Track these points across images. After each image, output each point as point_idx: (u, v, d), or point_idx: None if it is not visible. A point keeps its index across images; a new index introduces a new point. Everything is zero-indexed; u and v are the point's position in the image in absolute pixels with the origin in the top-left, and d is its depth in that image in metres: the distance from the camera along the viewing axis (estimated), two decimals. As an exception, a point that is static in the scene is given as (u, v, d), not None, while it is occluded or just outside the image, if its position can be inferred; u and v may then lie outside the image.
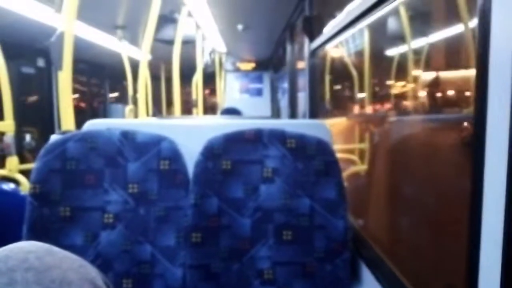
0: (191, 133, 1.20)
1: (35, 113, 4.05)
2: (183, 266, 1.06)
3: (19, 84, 3.68)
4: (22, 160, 2.89)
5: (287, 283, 1.07)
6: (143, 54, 2.24)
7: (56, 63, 1.33)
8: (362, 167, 2.22)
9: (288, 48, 2.74)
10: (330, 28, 1.61)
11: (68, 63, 1.35)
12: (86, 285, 0.41)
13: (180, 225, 1.07)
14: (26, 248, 0.40)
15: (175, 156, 1.12)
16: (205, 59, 4.35)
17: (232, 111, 4.96)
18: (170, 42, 2.84)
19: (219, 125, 1.24)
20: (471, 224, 0.60)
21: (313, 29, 1.84)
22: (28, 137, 3.60)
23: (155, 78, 6.09)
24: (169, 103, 6.51)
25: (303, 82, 2.65)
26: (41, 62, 3.78)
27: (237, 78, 6.23)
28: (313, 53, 1.88)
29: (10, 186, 1.90)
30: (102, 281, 0.44)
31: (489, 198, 0.56)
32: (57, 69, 1.33)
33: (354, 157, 2.66)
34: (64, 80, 1.36)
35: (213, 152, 1.10)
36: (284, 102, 5.24)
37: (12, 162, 2.15)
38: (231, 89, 6.21)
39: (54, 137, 1.14)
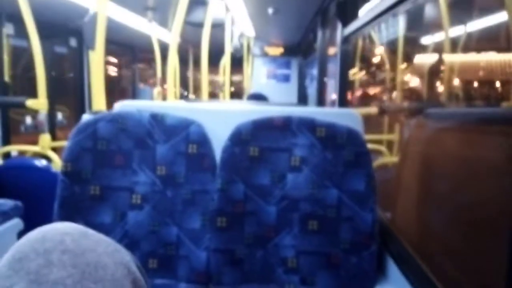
0: (219, 118, 1.19)
1: (67, 92, 4.16)
2: (207, 250, 1.06)
3: (52, 63, 3.77)
4: (54, 138, 2.99)
5: (310, 272, 1.06)
6: (173, 37, 2.24)
7: (88, 43, 1.34)
8: (391, 159, 2.16)
9: (319, 33, 2.67)
10: (364, 13, 1.54)
11: (101, 44, 1.35)
12: (120, 269, 0.41)
13: (206, 209, 1.08)
14: (62, 229, 0.40)
15: (203, 140, 1.11)
16: (234, 43, 4.32)
17: (258, 97, 4.92)
18: (200, 25, 2.83)
19: (247, 111, 1.22)
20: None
21: (346, 14, 1.77)
22: (60, 116, 3.70)
23: (183, 61, 6.12)
24: (196, 86, 6.55)
25: (333, 69, 2.59)
26: (73, 42, 3.85)
27: (265, 63, 6.16)
28: (345, 39, 1.82)
29: (43, 162, 1.97)
30: (135, 266, 0.44)
31: None
32: (90, 49, 1.34)
33: (383, 148, 2.59)
34: (97, 60, 1.38)
35: (241, 138, 1.09)
36: (311, 89, 5.16)
37: (45, 139, 2.22)
38: (258, 74, 6.15)
39: (85, 117, 1.16)
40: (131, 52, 5.51)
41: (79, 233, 0.40)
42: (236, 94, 6.86)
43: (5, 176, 1.87)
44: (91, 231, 0.42)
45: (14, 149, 2.67)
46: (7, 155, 2.67)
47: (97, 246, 0.40)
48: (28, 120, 3.10)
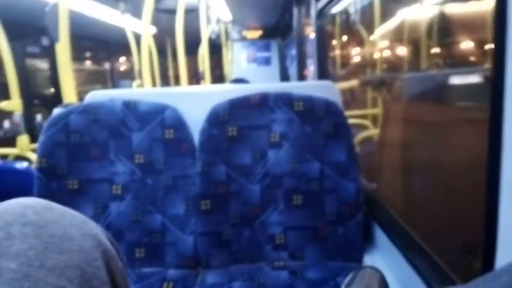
0: (195, 101, 1.16)
1: (44, 92, 4.06)
2: (194, 234, 1.05)
3: (26, 64, 3.67)
4: (34, 140, 2.92)
5: (299, 247, 1.06)
6: (144, 25, 2.18)
7: (52, 34, 1.29)
8: (374, 131, 2.17)
9: (295, 11, 2.63)
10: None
11: (65, 34, 1.31)
12: (89, 241, 0.39)
13: (189, 193, 1.06)
14: (23, 203, 0.38)
15: (179, 125, 1.09)
16: (213, 29, 4.25)
17: (240, 82, 4.88)
18: (172, 12, 2.76)
19: (224, 92, 1.20)
20: (488, 183, 0.56)
21: (319, -14, 1.75)
22: (39, 117, 3.62)
23: (161, 53, 6.01)
24: (177, 78, 6.46)
25: (312, 48, 2.56)
26: (45, 41, 3.74)
27: (244, 48, 6.09)
28: (320, 12, 1.80)
29: (23, 164, 1.92)
30: (106, 238, 0.42)
31: (506, 155, 0.51)
32: (54, 40, 1.30)
33: (367, 122, 2.60)
34: (62, 51, 1.33)
35: (218, 118, 1.07)
36: (292, 69, 5.13)
37: (23, 140, 2.17)
38: (238, 59, 6.09)
39: (56, 111, 1.12)
40: (106, 47, 5.40)
41: (42, 206, 0.39)
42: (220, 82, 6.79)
43: (-14, 181, 1.82)
44: (56, 205, 0.40)
45: None
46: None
47: (62, 218, 0.39)
48: (6, 124, 3.03)
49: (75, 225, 0.39)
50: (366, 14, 2.94)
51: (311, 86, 1.18)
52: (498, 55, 0.50)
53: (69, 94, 1.37)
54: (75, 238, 0.38)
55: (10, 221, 0.36)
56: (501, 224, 0.53)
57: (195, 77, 5.55)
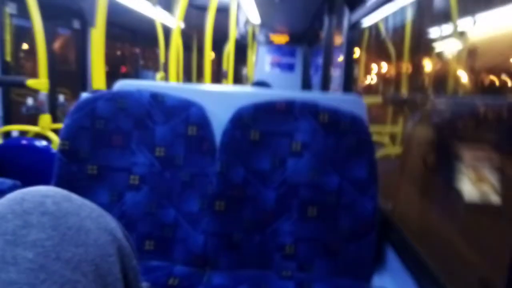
0: (220, 100, 1.16)
1: (70, 74, 4.13)
2: (205, 233, 1.05)
3: (56, 45, 3.73)
4: (55, 120, 2.98)
5: (308, 259, 1.05)
6: (176, 20, 2.20)
7: (89, 19, 1.31)
8: (393, 149, 2.14)
9: (326, 20, 2.62)
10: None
11: (102, 21, 1.32)
12: (104, 235, 0.39)
13: (205, 192, 1.06)
14: (43, 192, 0.38)
15: (203, 123, 1.09)
16: (240, 30, 4.25)
17: (262, 84, 4.88)
18: (204, 8, 2.78)
19: (249, 94, 1.20)
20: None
21: (354, -1, 1.73)
22: (61, 98, 3.68)
23: (187, 47, 6.05)
24: (200, 74, 6.50)
25: (338, 59, 2.55)
26: (76, 24, 3.81)
27: (269, 51, 6.08)
28: (352, 25, 1.78)
29: (42, 143, 1.96)
30: (122, 234, 0.42)
31: None
32: (90, 25, 1.31)
33: (386, 139, 2.56)
34: (97, 37, 1.35)
35: (242, 121, 1.07)
36: (316, 79, 5.10)
37: (45, 119, 2.21)
38: (261, 63, 6.08)
39: (84, 96, 1.13)
40: (133, 36, 5.46)
41: (61, 196, 0.38)
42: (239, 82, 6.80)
43: (5, 155, 1.86)
44: (75, 196, 0.40)
45: (14, 128, 2.66)
46: (7, 135, 2.66)
47: (80, 210, 0.38)
48: (30, 101, 3.09)
49: (93, 218, 0.39)
50: (397, 32, 2.91)
51: (338, 98, 1.17)
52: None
53: (99, 81, 1.39)
54: (92, 231, 0.37)
55: (29, 209, 0.35)
56: None
57: (217, 75, 5.58)
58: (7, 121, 2.82)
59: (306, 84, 5.78)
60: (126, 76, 5.81)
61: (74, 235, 0.36)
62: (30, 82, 2.06)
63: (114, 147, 1.07)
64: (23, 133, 2.65)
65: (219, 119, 1.10)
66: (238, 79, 6.74)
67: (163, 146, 1.08)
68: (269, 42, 5.97)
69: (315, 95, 1.21)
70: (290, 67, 6.12)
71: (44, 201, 0.36)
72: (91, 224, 0.38)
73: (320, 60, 4.06)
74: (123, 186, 1.07)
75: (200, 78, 6.51)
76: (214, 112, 1.12)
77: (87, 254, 0.35)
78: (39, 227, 0.34)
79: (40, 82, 2.12)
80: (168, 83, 1.33)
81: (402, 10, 2.60)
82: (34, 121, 2.41)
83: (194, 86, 1.23)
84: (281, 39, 5.84)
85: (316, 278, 1.03)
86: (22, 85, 2.06)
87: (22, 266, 0.32)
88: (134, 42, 5.64)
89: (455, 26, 1.99)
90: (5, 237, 0.33)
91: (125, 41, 5.74)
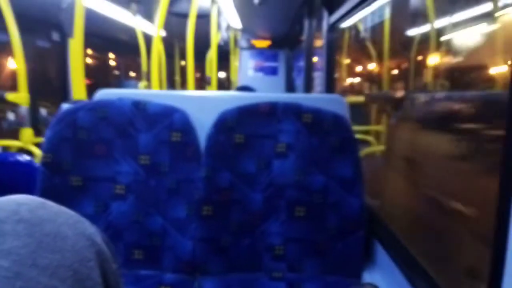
0: (203, 105, 1.17)
1: (51, 87, 4.07)
2: (193, 239, 1.04)
3: (35, 58, 3.68)
4: (39, 134, 2.93)
5: (298, 259, 1.05)
6: (156, 28, 2.20)
7: (67, 30, 1.30)
8: (378, 148, 2.17)
9: (306, 23, 2.65)
10: (351, 0, 1.53)
11: (80, 31, 1.31)
12: (82, 240, 0.38)
13: (191, 197, 1.06)
14: (18, 200, 0.37)
15: (187, 128, 1.09)
16: (222, 35, 4.27)
17: (246, 89, 4.89)
18: (184, 16, 2.78)
19: (233, 98, 1.20)
20: (499, 207, 0.55)
21: (333, 1, 1.76)
22: (43, 111, 3.62)
23: (169, 55, 6.04)
24: (183, 81, 6.48)
25: (319, 61, 2.57)
26: (56, 36, 3.76)
27: (252, 56, 6.11)
28: (331, 26, 1.81)
29: (25, 158, 1.92)
30: (101, 239, 0.42)
31: None
32: (69, 36, 1.30)
33: (370, 138, 2.60)
34: (76, 48, 1.34)
35: (226, 125, 1.07)
36: (299, 81, 5.15)
37: (26, 133, 2.17)
38: (244, 67, 6.11)
39: (65, 106, 1.12)
40: (115, 46, 5.42)
41: (36, 203, 0.38)
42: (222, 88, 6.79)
43: (-14, 172, 1.82)
44: (50, 203, 0.39)
45: None
46: (-12, 152, 2.60)
47: (56, 216, 0.38)
48: (11, 116, 3.03)
49: (70, 224, 0.38)
50: (376, 31, 2.96)
51: (320, 99, 1.18)
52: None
53: (79, 91, 1.37)
54: (69, 237, 0.37)
55: (3, 218, 0.35)
56: (509, 250, 0.53)
57: (200, 82, 5.56)
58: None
59: (289, 87, 5.82)
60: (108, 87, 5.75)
61: (50, 242, 0.35)
62: (10, 96, 2.02)
63: (97, 157, 1.06)
64: (5, 149, 2.60)
65: (203, 124, 1.10)
66: (221, 84, 6.74)
67: (147, 154, 1.07)
68: (251, 47, 6.00)
69: (298, 97, 1.22)
70: (273, 71, 6.16)
71: (18, 209, 0.36)
72: (68, 230, 0.37)
73: (302, 63, 4.10)
74: (108, 196, 1.06)
75: (183, 85, 6.49)
76: (198, 117, 1.12)
77: (64, 260, 0.35)
78: (14, 235, 0.34)
79: (20, 96, 2.08)
80: (149, 90, 1.32)
81: (381, 9, 2.65)
82: (16, 137, 2.37)
83: (177, 92, 1.23)
84: (263, 43, 5.87)
85: (306, 278, 1.03)
86: (2, 100, 2.02)
87: None
88: (115, 52, 5.60)
89: (432, 25, 2.04)
90: None
91: (107, 51, 5.70)
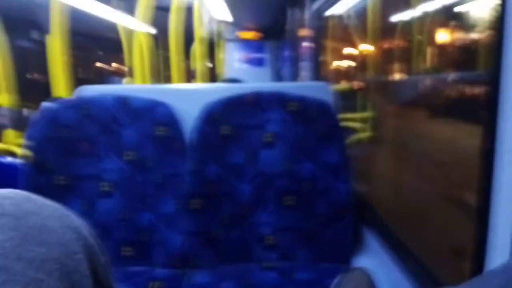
0: (188, 98, 1.15)
1: (35, 87, 3.99)
2: (182, 233, 1.04)
3: (15, 58, 3.60)
4: (22, 135, 2.87)
5: (288, 248, 1.06)
6: (137, 22, 2.16)
7: (47, 28, 1.27)
8: (364, 134, 2.17)
9: (289, 13, 2.64)
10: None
11: (57, 26, 1.28)
12: (69, 233, 0.38)
13: (179, 192, 1.05)
14: (2, 194, 0.37)
15: (171, 122, 1.08)
16: (209, 27, 4.23)
17: (234, 82, 4.87)
18: (165, 9, 2.74)
19: (217, 90, 1.19)
20: (480, 185, 0.56)
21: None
22: (25, 111, 3.56)
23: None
24: (168, 76, 6.41)
25: (304, 51, 2.56)
26: (35, 35, 3.68)
27: (238, 48, 6.08)
28: (314, 14, 1.80)
29: (8, 159, 1.88)
30: (88, 232, 0.41)
31: (500, 157, 0.52)
32: (46, 32, 1.27)
33: (357, 125, 2.60)
34: (55, 44, 1.30)
35: (212, 117, 1.06)
36: (285, 71, 5.14)
37: (9, 135, 2.13)
38: (231, 59, 6.07)
39: (45, 104, 1.10)
40: (99, 43, 5.34)
41: (21, 197, 0.37)
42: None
43: (-31, 175, 1.78)
44: (36, 196, 0.39)
45: None
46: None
47: (41, 209, 0.37)
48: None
49: (55, 217, 0.38)
50: (360, 18, 2.96)
51: (306, 87, 1.17)
52: (496, 58, 0.50)
53: (59, 88, 1.34)
54: (55, 230, 0.36)
55: None
56: (491, 226, 0.54)
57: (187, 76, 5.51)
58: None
59: (276, 78, 5.80)
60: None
61: (35, 235, 0.35)
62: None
63: (81, 155, 1.05)
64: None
65: (189, 118, 1.09)
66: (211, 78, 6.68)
67: (131, 150, 1.06)
68: (237, 39, 5.96)
69: (283, 85, 1.21)
70: (259, 62, 6.13)
71: (2, 203, 0.35)
72: (54, 223, 0.37)
73: (287, 53, 4.08)
74: (94, 194, 1.04)
75: (169, 81, 6.43)
76: (183, 110, 1.11)
77: (50, 253, 0.35)
78: None
79: (1, 97, 2.04)
80: (132, 85, 1.30)
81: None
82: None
83: (160, 86, 1.21)
84: (248, 35, 5.84)
85: (298, 266, 1.03)
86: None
87: None
88: (98, 49, 5.51)
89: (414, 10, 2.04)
90: None
91: (90, 49, 5.60)
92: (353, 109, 2.78)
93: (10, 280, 0.31)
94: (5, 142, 2.14)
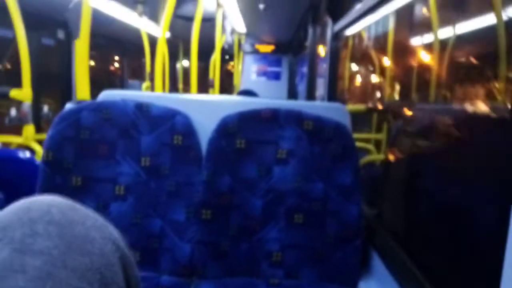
0: (206, 109, 1.17)
1: (54, 85, 4.08)
2: (191, 242, 1.05)
3: (39, 56, 3.69)
4: (40, 130, 2.93)
5: (295, 266, 1.06)
6: (161, 29, 2.21)
7: (73, 31, 1.31)
8: (378, 156, 2.17)
9: (310, 30, 2.67)
10: (356, 9, 1.54)
11: (86, 32, 1.32)
12: (109, 244, 0.39)
13: (191, 201, 1.06)
14: (48, 201, 0.38)
15: (189, 132, 1.10)
16: (227, 39, 4.28)
17: (248, 93, 4.90)
18: (190, 19, 2.80)
19: (235, 103, 1.21)
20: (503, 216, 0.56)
21: (337, 9, 1.77)
22: (45, 108, 3.64)
23: (173, 57, 6.06)
24: (186, 83, 6.49)
25: (323, 68, 2.59)
26: (61, 34, 3.78)
27: (255, 61, 6.12)
28: (336, 34, 1.82)
29: (26, 154, 1.92)
30: (123, 243, 0.42)
31: None
32: (74, 37, 1.31)
33: (370, 147, 2.60)
34: (81, 48, 1.35)
35: (228, 130, 1.08)
36: (301, 87, 5.16)
37: (28, 130, 2.18)
38: (247, 72, 6.12)
39: (68, 106, 1.13)
40: (119, 46, 5.45)
41: (66, 205, 0.39)
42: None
43: (-13, 167, 1.82)
44: (78, 205, 0.40)
45: None
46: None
47: (85, 219, 0.39)
48: (13, 112, 3.04)
49: (97, 227, 0.39)
50: (379, 41, 2.98)
51: (322, 107, 1.19)
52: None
53: (83, 91, 1.38)
54: (97, 241, 0.38)
55: (35, 217, 0.35)
56: (507, 263, 0.53)
57: (204, 85, 5.58)
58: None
59: (292, 93, 5.83)
60: (112, 86, 5.76)
61: (80, 244, 0.36)
62: (14, 93, 2.03)
63: (98, 157, 1.07)
64: (6, 145, 2.60)
65: (205, 128, 1.11)
66: (225, 89, 6.75)
67: (148, 156, 1.08)
68: (255, 52, 6.02)
69: (299, 104, 1.23)
70: (276, 76, 6.17)
71: (49, 210, 0.37)
72: (96, 233, 0.38)
73: (305, 69, 4.11)
74: (108, 196, 1.06)
75: (186, 87, 6.51)
76: (200, 121, 1.13)
77: (92, 263, 0.36)
78: (46, 235, 0.34)
79: (23, 93, 2.09)
80: (153, 93, 1.33)
81: (384, 19, 2.66)
82: (17, 133, 2.37)
83: (179, 96, 1.24)
84: (266, 48, 5.89)
85: (303, 285, 1.03)
86: (6, 96, 2.03)
87: (30, 274, 0.32)
88: (119, 52, 5.62)
89: (436, 34, 2.05)
90: (13, 245, 0.33)
91: (111, 52, 5.72)
92: (367, 130, 2.78)
93: (56, 287, 0.32)
94: (24, 137, 2.19)
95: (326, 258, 1.05)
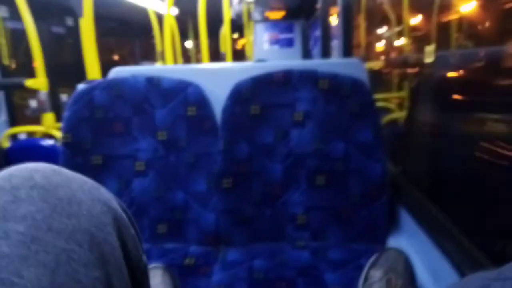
0: (217, 78, 1.14)
1: (71, 74, 4.13)
2: (215, 211, 1.05)
3: (51, 45, 3.71)
4: (59, 119, 2.99)
5: (321, 228, 1.05)
6: (167, 5, 2.16)
7: (78, 12, 1.29)
8: (400, 114, 2.10)
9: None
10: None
11: (89, 8, 1.30)
12: (98, 206, 0.38)
13: (211, 171, 1.06)
14: (31, 167, 0.37)
15: (202, 102, 1.08)
16: (235, 10, 4.18)
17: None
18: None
19: (246, 69, 1.17)
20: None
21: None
22: (64, 97, 3.69)
23: (183, 34, 5.99)
24: (198, 59, 6.45)
25: (335, 30, 2.49)
26: (69, 21, 3.78)
27: (266, 29, 5.97)
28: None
29: (49, 142, 1.97)
30: (118, 205, 0.42)
31: None
32: (78, 15, 1.30)
33: (392, 105, 2.52)
34: (86, 26, 1.33)
35: (241, 96, 1.05)
36: (316, 51, 5.02)
37: (48, 118, 2.21)
38: (259, 41, 5.98)
39: (80, 86, 1.12)
40: (129, 28, 5.42)
41: (50, 170, 0.38)
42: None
43: (14, 157, 1.88)
44: (65, 170, 0.39)
45: (20, 130, 2.68)
46: (14, 138, 2.68)
47: (71, 182, 0.38)
48: (33, 103, 3.10)
49: (85, 190, 0.38)
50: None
51: (337, 64, 1.13)
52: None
53: (93, 70, 1.38)
54: (84, 202, 0.37)
55: (18, 184, 0.35)
56: None
57: (216, 59, 5.51)
58: (13, 124, 2.84)
59: (306, 58, 5.69)
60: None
61: (65, 206, 0.35)
62: (29, 83, 2.05)
63: (116, 135, 1.07)
64: (30, 135, 2.67)
65: (218, 97, 1.09)
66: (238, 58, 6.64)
67: (164, 130, 1.07)
68: (265, 20, 5.86)
69: (313, 63, 1.18)
70: (289, 43, 6.00)
71: (32, 175, 0.36)
72: (83, 195, 0.37)
73: (318, 33, 3.98)
74: (129, 173, 1.07)
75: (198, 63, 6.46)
76: (212, 90, 1.11)
77: (80, 224, 0.35)
78: (29, 200, 0.34)
79: (39, 82, 2.11)
80: (162, 66, 1.31)
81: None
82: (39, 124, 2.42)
83: (189, 66, 1.21)
84: (277, 15, 5.72)
85: (330, 246, 1.02)
86: (21, 86, 2.06)
87: (14, 239, 0.31)
88: (130, 34, 5.60)
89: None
90: None
91: (122, 34, 5.71)
92: (387, 89, 2.69)
93: (42, 250, 0.32)
94: (45, 126, 2.24)
95: (352, 218, 1.03)
